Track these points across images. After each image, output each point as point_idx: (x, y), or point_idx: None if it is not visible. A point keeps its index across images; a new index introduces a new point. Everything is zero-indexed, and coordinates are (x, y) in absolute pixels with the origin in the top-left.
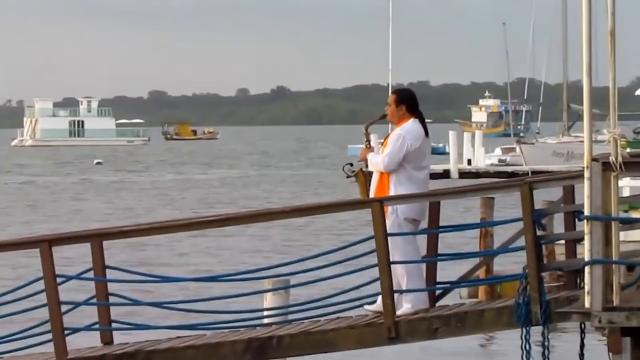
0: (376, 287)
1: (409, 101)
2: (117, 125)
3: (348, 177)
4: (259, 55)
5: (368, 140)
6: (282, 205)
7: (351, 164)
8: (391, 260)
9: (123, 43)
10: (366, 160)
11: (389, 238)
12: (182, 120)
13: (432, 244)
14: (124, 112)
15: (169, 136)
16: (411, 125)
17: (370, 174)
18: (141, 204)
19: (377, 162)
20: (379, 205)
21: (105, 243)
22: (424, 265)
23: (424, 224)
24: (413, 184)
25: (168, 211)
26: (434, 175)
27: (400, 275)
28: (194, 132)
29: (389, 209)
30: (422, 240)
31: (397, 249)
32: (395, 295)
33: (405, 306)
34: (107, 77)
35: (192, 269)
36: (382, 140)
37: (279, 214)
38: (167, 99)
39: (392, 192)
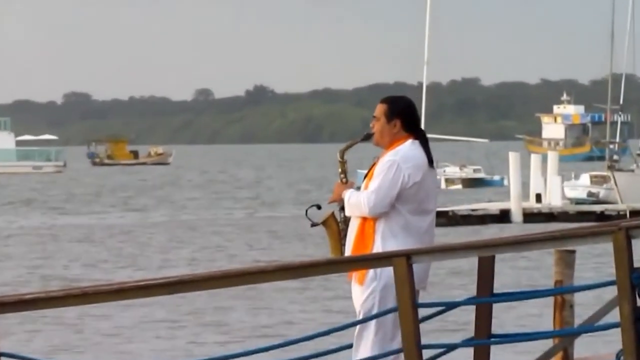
0: None
1: (405, 114)
2: (19, 143)
3: (313, 225)
4: (228, 41)
5: (344, 173)
6: (260, 262)
7: (318, 206)
8: (355, 349)
9: (27, 27)
10: (341, 202)
11: (364, 313)
12: (116, 136)
13: (484, 319)
14: (29, 124)
15: (97, 160)
16: (409, 149)
17: (347, 221)
18: (54, 261)
19: (357, 202)
20: (405, 261)
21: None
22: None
23: (422, 296)
24: (411, 235)
25: (91, 271)
26: (488, 219)
27: None
28: (135, 154)
29: (368, 274)
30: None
31: (368, 332)
32: None
33: None
34: (3, 74)
35: (127, 356)
36: (367, 171)
37: (257, 274)
38: (92, 105)
39: (378, 248)
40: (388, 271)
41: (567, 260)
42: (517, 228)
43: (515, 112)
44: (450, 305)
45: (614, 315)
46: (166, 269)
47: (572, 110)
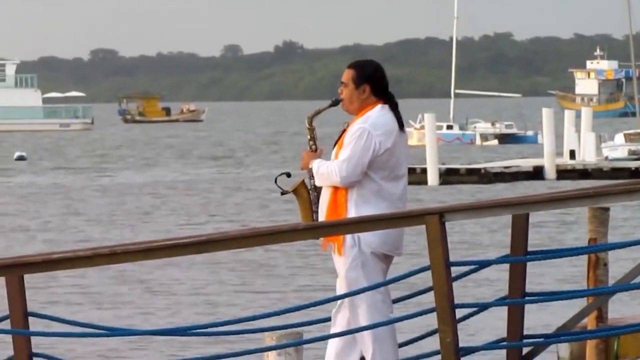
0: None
1: (374, 79)
2: (45, 100)
3: (283, 193)
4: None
5: (313, 140)
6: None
7: (288, 174)
8: (353, 319)
9: None
10: (310, 170)
11: (348, 282)
12: (147, 93)
13: (518, 279)
14: (56, 81)
15: (129, 117)
16: (379, 115)
17: (317, 189)
18: (83, 221)
19: (328, 171)
20: (437, 219)
21: (28, 278)
22: (394, 327)
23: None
24: (384, 201)
25: (125, 231)
26: (521, 176)
27: (364, 338)
28: (167, 111)
29: (347, 240)
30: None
31: (361, 299)
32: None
33: None
34: (29, 31)
35: (155, 315)
36: (337, 138)
37: (287, 233)
38: (119, 62)
39: (351, 215)
40: (368, 238)
41: (601, 218)
42: (550, 185)
43: (548, 68)
44: (483, 264)
45: None
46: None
47: (605, 66)
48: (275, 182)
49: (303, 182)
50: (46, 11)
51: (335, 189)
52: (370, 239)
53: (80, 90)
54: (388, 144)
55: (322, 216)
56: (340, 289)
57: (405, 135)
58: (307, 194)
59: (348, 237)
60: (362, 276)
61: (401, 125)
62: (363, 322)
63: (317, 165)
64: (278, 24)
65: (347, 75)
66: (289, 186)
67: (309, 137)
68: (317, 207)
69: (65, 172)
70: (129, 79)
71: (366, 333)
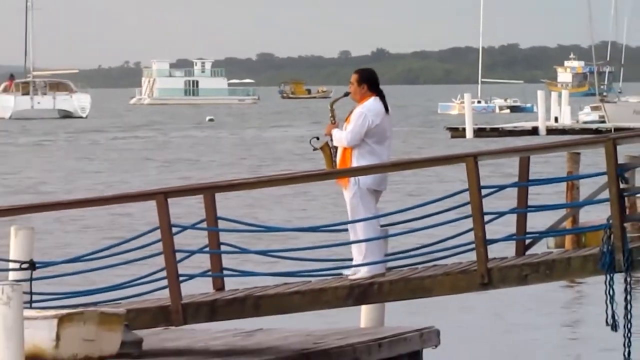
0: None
1: (370, 80)
2: (229, 85)
3: (314, 149)
4: (360, 18)
5: (333, 117)
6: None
7: (317, 138)
8: (353, 231)
9: (232, 7)
10: (331, 135)
11: (351, 207)
12: (297, 80)
13: (523, 196)
14: (235, 72)
15: (284, 95)
16: (372, 103)
17: (336, 148)
18: (253, 160)
19: (340, 138)
20: (472, 160)
21: (217, 195)
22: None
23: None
24: (374, 156)
25: (276, 167)
26: (524, 133)
27: (361, 244)
28: (308, 92)
29: (350, 180)
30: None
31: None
32: (356, 255)
33: (363, 270)
34: (217, 39)
35: (296, 219)
36: (346, 116)
37: (378, 168)
38: (275, 60)
39: (354, 164)
40: (364, 178)
41: (575, 159)
42: (542, 139)
43: (541, 65)
44: (502, 187)
45: (605, 194)
46: None
47: (576, 64)
48: (310, 142)
49: (327, 143)
50: (222, 21)
51: (344, 148)
52: (365, 179)
53: (250, 79)
54: (377, 121)
55: (337, 165)
56: (349, 212)
57: (389, 116)
58: (329, 150)
59: (351, 178)
60: (360, 203)
61: (387, 109)
62: (361, 233)
63: (335, 132)
64: (374, 36)
65: (354, 77)
66: (318, 145)
67: (330, 115)
68: (336, 159)
69: (243, 129)
70: (281, 71)
71: (362, 238)
